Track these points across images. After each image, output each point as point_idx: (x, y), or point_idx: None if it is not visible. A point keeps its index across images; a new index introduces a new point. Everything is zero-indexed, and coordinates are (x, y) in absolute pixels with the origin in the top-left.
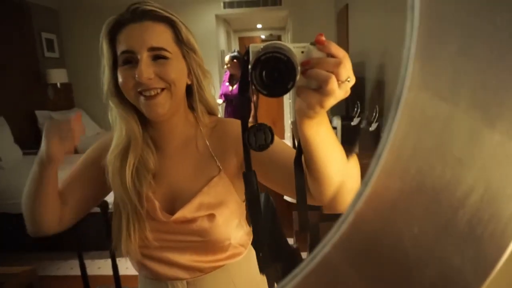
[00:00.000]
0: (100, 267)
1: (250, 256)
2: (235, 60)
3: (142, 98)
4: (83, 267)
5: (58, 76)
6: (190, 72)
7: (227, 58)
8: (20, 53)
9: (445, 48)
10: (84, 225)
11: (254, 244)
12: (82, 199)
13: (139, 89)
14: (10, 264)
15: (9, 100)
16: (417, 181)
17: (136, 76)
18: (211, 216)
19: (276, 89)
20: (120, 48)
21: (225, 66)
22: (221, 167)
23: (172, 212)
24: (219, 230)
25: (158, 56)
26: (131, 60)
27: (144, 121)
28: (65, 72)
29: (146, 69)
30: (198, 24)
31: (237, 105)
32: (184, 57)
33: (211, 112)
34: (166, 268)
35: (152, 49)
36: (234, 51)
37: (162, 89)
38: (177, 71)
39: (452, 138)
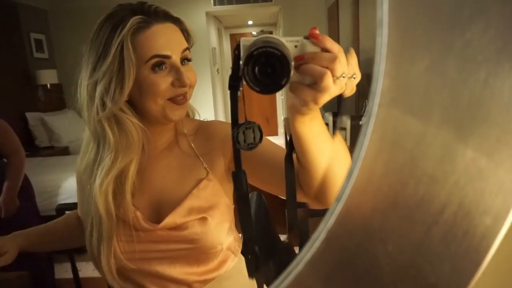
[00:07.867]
0: (94, 268)
1: (240, 267)
2: None
3: (168, 103)
4: (75, 270)
5: (48, 77)
6: None
7: None
8: (9, 54)
9: (415, 65)
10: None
11: (244, 245)
12: None
13: (172, 95)
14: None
15: None
16: (390, 198)
17: (179, 83)
18: (203, 220)
19: (270, 86)
20: (148, 51)
21: None
22: (208, 169)
23: (157, 220)
24: (212, 235)
25: (185, 58)
26: (161, 64)
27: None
28: (55, 73)
29: (187, 74)
30: (188, 22)
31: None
32: None
33: (188, 114)
34: (156, 282)
35: (183, 51)
36: None
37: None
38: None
39: (424, 154)
